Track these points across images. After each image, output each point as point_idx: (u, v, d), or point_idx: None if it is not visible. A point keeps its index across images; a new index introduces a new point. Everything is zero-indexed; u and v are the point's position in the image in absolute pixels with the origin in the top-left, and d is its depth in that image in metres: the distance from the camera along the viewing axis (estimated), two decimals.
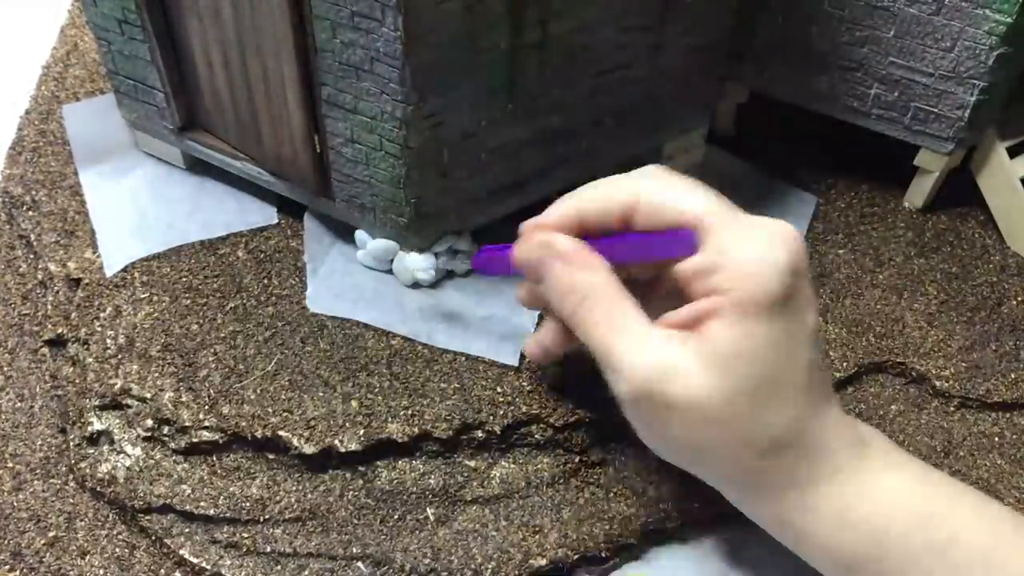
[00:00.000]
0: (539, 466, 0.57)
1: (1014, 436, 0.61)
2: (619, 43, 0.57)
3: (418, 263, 0.59)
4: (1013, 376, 0.62)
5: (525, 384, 0.57)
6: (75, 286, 0.61)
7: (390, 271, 0.61)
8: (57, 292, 0.62)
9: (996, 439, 0.61)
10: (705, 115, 0.67)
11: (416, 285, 0.61)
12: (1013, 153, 0.68)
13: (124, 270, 0.61)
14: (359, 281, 0.61)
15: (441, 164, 0.55)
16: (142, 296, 0.59)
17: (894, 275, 0.67)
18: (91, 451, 0.56)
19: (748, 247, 0.43)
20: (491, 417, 0.56)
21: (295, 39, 0.51)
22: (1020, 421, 0.62)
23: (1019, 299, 0.66)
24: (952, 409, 0.62)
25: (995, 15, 0.60)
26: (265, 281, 0.61)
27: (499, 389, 0.57)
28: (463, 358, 0.58)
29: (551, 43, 0.54)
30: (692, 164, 0.69)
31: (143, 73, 0.60)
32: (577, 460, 0.57)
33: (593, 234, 0.47)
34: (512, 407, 0.56)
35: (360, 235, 0.61)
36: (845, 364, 0.62)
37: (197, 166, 0.66)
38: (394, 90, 0.51)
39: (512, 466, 0.56)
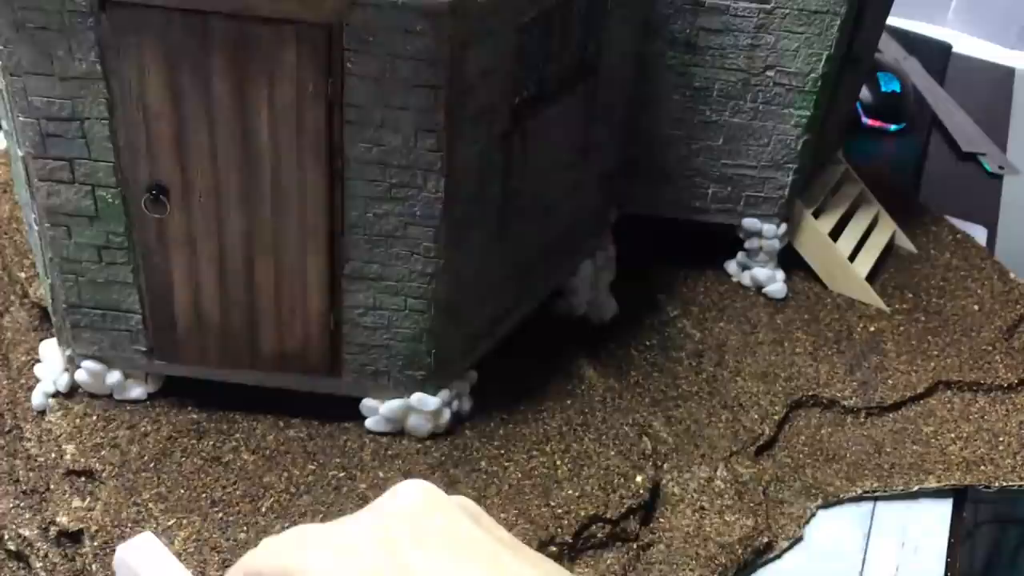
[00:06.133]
0: (608, 562, 0.61)
1: (913, 426, 0.75)
2: (555, 182, 0.66)
3: (437, 402, 0.62)
4: (890, 382, 0.77)
5: (573, 492, 0.62)
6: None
7: (401, 431, 0.63)
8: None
9: (904, 431, 0.75)
10: (607, 236, 0.77)
11: (433, 435, 0.63)
12: (816, 215, 0.85)
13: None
14: None
15: (456, 310, 0.60)
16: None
17: (768, 332, 0.81)
18: None
19: None
20: (559, 530, 0.60)
21: (328, 224, 0.55)
22: (909, 414, 0.77)
23: (861, 326, 0.83)
24: (863, 419, 0.75)
25: (798, 112, 0.77)
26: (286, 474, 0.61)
27: (551, 503, 0.61)
28: (507, 486, 0.61)
29: (525, 188, 0.62)
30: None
31: (118, 298, 0.58)
32: (635, 547, 0.62)
33: None
34: (571, 515, 0.60)
35: (368, 404, 0.62)
36: (776, 407, 0.74)
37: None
38: (427, 248, 0.56)
39: (586, 569, 0.60)
